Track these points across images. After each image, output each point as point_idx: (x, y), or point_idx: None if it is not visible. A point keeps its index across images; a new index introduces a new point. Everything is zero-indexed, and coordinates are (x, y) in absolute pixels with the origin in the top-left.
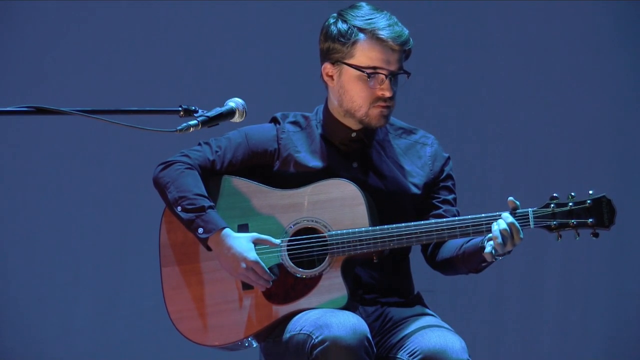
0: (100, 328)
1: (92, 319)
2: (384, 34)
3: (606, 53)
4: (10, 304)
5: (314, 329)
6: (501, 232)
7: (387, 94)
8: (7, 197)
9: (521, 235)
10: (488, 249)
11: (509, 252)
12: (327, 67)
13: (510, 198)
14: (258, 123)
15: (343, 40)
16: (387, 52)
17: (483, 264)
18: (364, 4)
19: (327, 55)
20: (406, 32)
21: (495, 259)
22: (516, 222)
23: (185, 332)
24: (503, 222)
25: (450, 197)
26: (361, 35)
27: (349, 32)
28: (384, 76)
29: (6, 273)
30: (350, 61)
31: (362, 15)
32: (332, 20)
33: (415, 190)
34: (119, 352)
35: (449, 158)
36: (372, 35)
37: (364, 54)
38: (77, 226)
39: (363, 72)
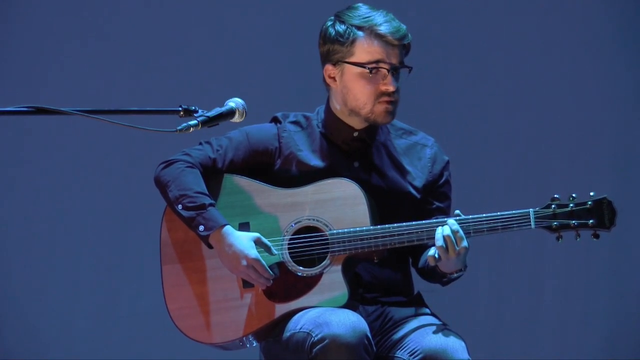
0: (100, 328)
1: (92, 319)
2: (382, 29)
3: (606, 53)
4: (11, 304)
5: (313, 327)
6: (444, 237)
7: (391, 89)
8: (7, 197)
9: (465, 244)
10: (432, 251)
11: (462, 269)
12: (329, 69)
13: (457, 211)
14: (258, 123)
15: (342, 40)
16: (387, 47)
17: (443, 279)
18: (360, 4)
19: (327, 58)
20: (404, 27)
21: (450, 277)
22: (460, 230)
23: (185, 329)
24: (448, 228)
25: (444, 204)
26: (360, 33)
27: (348, 31)
28: (386, 71)
29: (6, 273)
30: (351, 59)
31: (359, 14)
32: (329, 23)
33: (414, 191)
34: (119, 352)
35: (448, 162)
36: (371, 31)
37: (364, 50)
38: (77, 226)
39: (365, 67)
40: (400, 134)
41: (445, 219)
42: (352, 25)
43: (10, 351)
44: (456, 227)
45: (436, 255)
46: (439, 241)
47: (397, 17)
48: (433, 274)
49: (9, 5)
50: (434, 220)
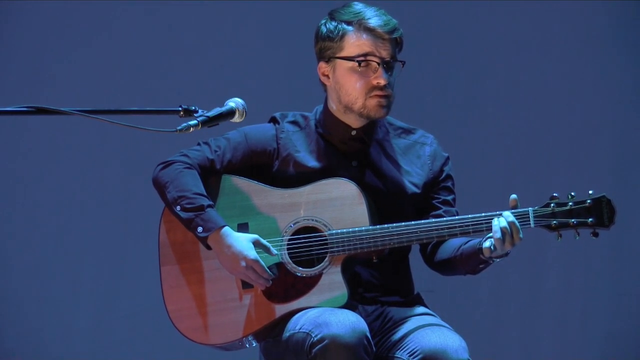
0: (100, 328)
1: (92, 319)
2: (371, 22)
3: (606, 53)
4: (11, 304)
5: (313, 328)
6: (501, 229)
7: (382, 82)
8: (7, 197)
9: (521, 235)
10: (487, 243)
11: (507, 254)
12: (322, 66)
13: (513, 196)
14: (258, 123)
15: (332, 36)
16: (377, 41)
17: (480, 266)
18: (355, 2)
19: (320, 55)
20: (395, 21)
21: (493, 261)
22: (517, 222)
23: (184, 331)
24: (504, 220)
25: (449, 197)
26: (349, 28)
27: (338, 27)
28: (376, 64)
29: (6, 273)
30: (341, 54)
31: (350, 11)
32: (322, 22)
33: (414, 189)
34: (119, 352)
35: (448, 158)
36: (360, 25)
37: (354, 43)
38: (77, 226)
39: (354, 61)
40: (399, 133)
41: (501, 212)
42: (341, 21)
43: (10, 351)
44: (512, 218)
45: (492, 247)
46: (497, 233)
47: (396, 16)
48: (467, 263)
49: (10, 5)
50: (433, 221)
